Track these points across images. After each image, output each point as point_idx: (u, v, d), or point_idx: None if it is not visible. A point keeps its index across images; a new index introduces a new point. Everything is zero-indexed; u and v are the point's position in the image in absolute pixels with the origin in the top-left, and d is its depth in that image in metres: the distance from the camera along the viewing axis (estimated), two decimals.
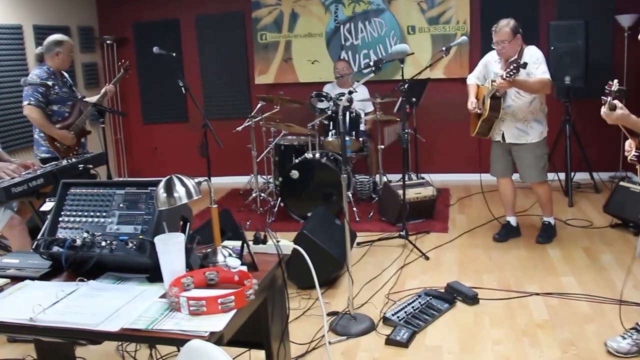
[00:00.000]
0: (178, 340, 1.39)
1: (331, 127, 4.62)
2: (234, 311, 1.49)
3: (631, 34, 4.91)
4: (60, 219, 1.88)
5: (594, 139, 5.08)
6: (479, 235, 4.12)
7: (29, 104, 3.56)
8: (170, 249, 1.60)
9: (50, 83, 3.48)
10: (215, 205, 1.80)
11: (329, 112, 4.58)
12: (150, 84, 6.24)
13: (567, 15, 5.15)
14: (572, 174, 4.91)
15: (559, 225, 4.14)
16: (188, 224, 1.83)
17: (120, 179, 6.40)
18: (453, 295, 3.07)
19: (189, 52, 6.10)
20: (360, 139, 4.72)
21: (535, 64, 3.50)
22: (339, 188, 3.03)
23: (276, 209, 4.70)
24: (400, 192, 4.10)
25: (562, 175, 5.00)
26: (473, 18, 5.41)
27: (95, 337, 1.50)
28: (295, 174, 4.49)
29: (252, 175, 5.18)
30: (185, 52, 6.08)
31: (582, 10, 5.08)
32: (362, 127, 5.00)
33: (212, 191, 1.86)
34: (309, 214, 4.09)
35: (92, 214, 1.85)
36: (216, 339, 1.40)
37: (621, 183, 4.11)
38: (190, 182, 1.61)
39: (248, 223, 4.59)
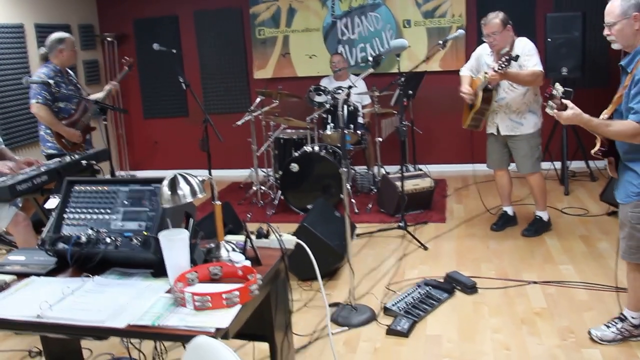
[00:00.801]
0: (184, 337, 1.41)
1: (329, 121, 4.64)
2: (239, 306, 1.52)
3: None
4: (65, 215, 1.91)
5: None
6: (477, 225, 4.17)
7: (36, 102, 3.62)
8: (175, 245, 1.63)
9: (51, 82, 3.51)
10: (219, 202, 1.83)
11: (327, 106, 4.61)
12: (150, 79, 6.26)
13: (564, 7, 5.16)
14: (568, 162, 4.95)
15: (555, 213, 4.19)
16: (192, 219, 1.86)
17: (122, 172, 6.43)
18: (452, 284, 3.12)
19: (188, 47, 6.11)
20: (359, 132, 4.75)
21: (527, 55, 3.51)
22: (338, 180, 3.07)
23: (276, 201, 4.74)
24: (399, 183, 4.14)
25: (558, 164, 5.04)
26: (469, 11, 5.41)
27: (102, 333, 1.52)
28: (294, 167, 4.53)
29: (252, 169, 5.22)
30: (184, 47, 6.09)
31: (579, 2, 5.09)
32: (360, 120, 5.03)
33: (215, 187, 1.89)
34: (308, 206, 4.13)
35: (96, 210, 1.88)
36: (222, 334, 1.43)
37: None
38: (194, 180, 1.64)
39: (249, 215, 4.63)
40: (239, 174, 5.92)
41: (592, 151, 2.44)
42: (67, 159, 3.01)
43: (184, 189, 1.60)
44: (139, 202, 1.83)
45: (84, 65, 5.96)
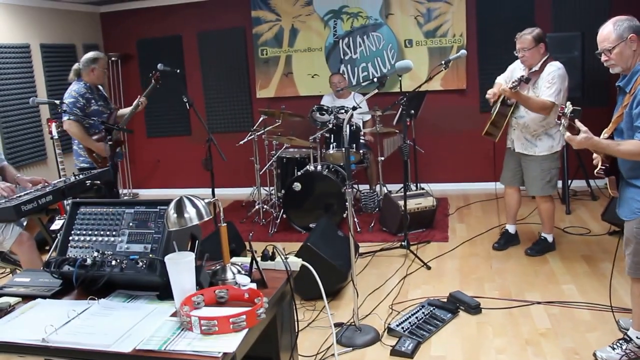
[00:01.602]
0: None
1: (332, 140, 4.67)
2: (246, 330, 1.52)
3: None
4: (71, 237, 1.91)
5: None
6: (479, 244, 4.17)
7: (68, 119, 3.79)
8: (181, 268, 1.64)
9: (57, 102, 3.57)
10: (225, 224, 1.84)
11: (330, 125, 4.64)
12: (154, 98, 6.29)
13: (563, 27, 5.23)
14: (569, 181, 4.96)
15: (557, 233, 4.18)
16: (197, 242, 1.87)
17: (125, 190, 6.45)
18: (456, 304, 3.11)
19: (192, 67, 6.19)
20: (361, 151, 4.77)
21: (547, 83, 3.46)
22: (341, 199, 3.08)
23: (278, 220, 4.75)
24: (401, 202, 4.14)
25: (560, 183, 5.04)
26: (469, 31, 5.49)
27: (109, 358, 1.51)
28: (297, 186, 4.54)
29: (255, 187, 5.24)
30: (188, 67, 6.17)
31: (578, 22, 5.16)
32: (362, 139, 5.06)
33: (222, 209, 1.90)
34: (311, 225, 4.13)
35: (102, 232, 1.89)
36: (229, 359, 1.43)
37: None
38: (200, 203, 1.65)
39: (251, 234, 4.63)
40: (242, 193, 5.94)
41: (595, 171, 2.47)
42: (72, 179, 3.03)
43: (190, 212, 1.61)
44: (145, 224, 1.84)
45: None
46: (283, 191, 4.62)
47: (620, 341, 2.48)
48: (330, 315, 3.12)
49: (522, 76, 3.44)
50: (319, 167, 4.58)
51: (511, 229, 4.07)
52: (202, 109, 6.23)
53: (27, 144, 5.16)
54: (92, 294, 1.79)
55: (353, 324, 2.90)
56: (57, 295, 1.86)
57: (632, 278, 2.41)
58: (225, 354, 1.41)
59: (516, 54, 3.60)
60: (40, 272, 1.98)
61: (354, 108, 2.74)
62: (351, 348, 2.78)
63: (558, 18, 5.33)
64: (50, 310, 1.73)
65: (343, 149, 3.00)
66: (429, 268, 3.75)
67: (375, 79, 2.60)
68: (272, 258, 1.92)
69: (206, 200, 1.67)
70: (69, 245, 1.91)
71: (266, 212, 5.09)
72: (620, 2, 5.17)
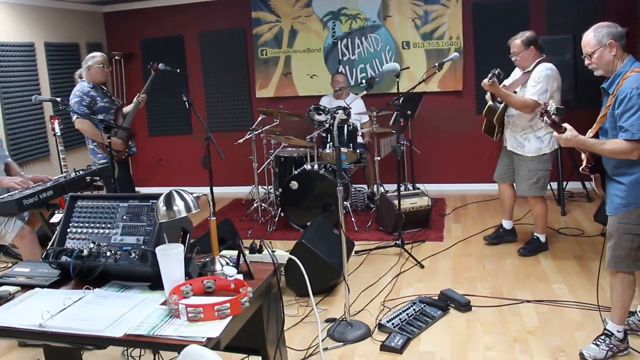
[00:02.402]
0: (177, 346, 1.48)
1: (329, 140, 4.74)
2: (230, 318, 1.59)
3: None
4: (69, 230, 2.00)
5: None
6: (474, 244, 4.22)
7: (77, 117, 3.87)
8: (170, 259, 1.71)
9: (58, 99, 3.65)
10: (214, 218, 1.91)
11: (327, 125, 4.71)
12: (156, 97, 6.40)
13: (556, 29, 5.28)
14: (565, 183, 5.01)
15: (551, 233, 4.23)
16: (188, 235, 1.94)
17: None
18: (446, 302, 3.16)
19: (193, 67, 6.27)
20: (358, 151, 4.84)
21: (535, 81, 3.54)
22: (337, 198, 3.12)
23: (277, 218, 4.82)
24: (396, 202, 4.20)
25: (555, 185, 5.10)
26: (466, 33, 5.54)
27: (101, 342, 1.60)
28: (294, 184, 4.61)
29: (254, 186, 5.31)
30: (189, 66, 6.25)
31: (571, 25, 5.21)
32: (360, 139, 5.12)
33: (212, 204, 1.97)
34: (308, 223, 4.19)
35: (97, 225, 1.97)
36: (213, 344, 1.50)
37: None
38: (189, 197, 1.72)
39: (249, 232, 4.70)
40: (242, 191, 6.01)
41: (580, 168, 2.54)
42: (72, 175, 3.11)
43: (178, 204, 1.68)
44: (138, 217, 1.92)
45: None
46: (280, 190, 4.69)
47: (602, 337, 2.53)
48: (324, 310, 3.22)
49: (496, 70, 3.53)
50: (315, 166, 4.65)
51: (507, 224, 4.13)
52: (203, 108, 6.31)
53: (31, 140, 5.25)
54: (88, 284, 1.87)
55: (344, 319, 2.97)
56: (55, 285, 1.94)
57: (612, 271, 2.48)
58: (209, 339, 1.48)
59: (510, 57, 3.71)
60: (40, 263, 2.06)
61: (344, 109, 2.81)
62: (342, 343, 2.84)
63: (551, 21, 5.38)
64: (48, 299, 1.81)
65: (334, 148, 3.08)
66: (422, 267, 3.81)
67: (364, 81, 2.66)
68: (260, 251, 1.99)
69: (194, 195, 1.74)
70: (67, 237, 1.99)
71: (264, 210, 5.16)
72: (612, 6, 5.23)
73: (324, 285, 3.40)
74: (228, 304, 1.58)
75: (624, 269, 2.43)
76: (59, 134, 4.01)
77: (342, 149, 4.61)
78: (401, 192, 4.24)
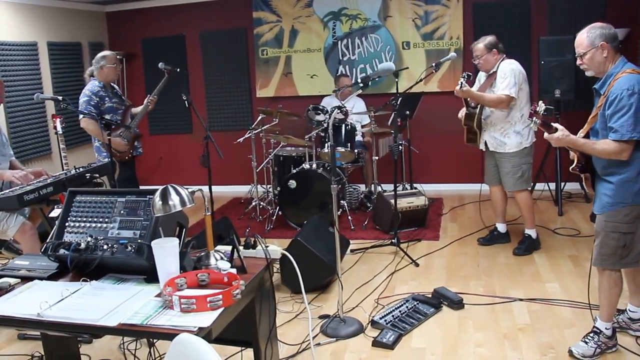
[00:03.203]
0: (170, 335, 1.52)
1: (327, 139, 4.79)
2: (222, 309, 1.64)
3: (622, 48, 5.05)
4: (67, 224, 2.05)
5: None
6: (469, 243, 4.26)
7: (83, 117, 3.92)
8: (166, 252, 1.76)
9: (60, 98, 3.70)
10: (209, 213, 1.96)
11: (325, 125, 4.76)
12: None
13: (558, 30, 5.31)
14: (563, 184, 5.04)
15: (547, 233, 4.27)
16: (184, 229, 1.99)
17: None
18: (439, 300, 3.21)
19: (194, 66, 6.34)
20: (356, 150, 4.88)
21: (502, 78, 3.69)
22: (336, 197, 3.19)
23: (275, 217, 4.87)
24: (393, 201, 4.25)
25: (553, 185, 5.13)
26: (466, 33, 5.58)
27: (96, 331, 1.66)
28: (293, 183, 4.66)
29: (253, 185, 5.36)
30: (190, 66, 6.31)
31: (572, 25, 5.24)
32: (359, 138, 5.17)
33: (207, 200, 2.01)
34: (305, 222, 4.23)
35: (95, 219, 2.02)
36: (204, 333, 1.55)
37: None
38: (184, 192, 1.77)
39: (247, 230, 4.74)
40: (241, 190, 6.07)
41: (570, 168, 2.58)
42: (72, 171, 3.16)
43: (174, 199, 1.73)
44: (135, 212, 1.97)
45: None
46: (279, 188, 4.74)
47: (591, 334, 2.57)
48: (318, 307, 3.27)
49: (464, 74, 3.65)
50: (314, 166, 4.69)
51: (501, 227, 4.17)
52: (204, 108, 6.38)
53: (33, 139, 5.32)
54: (85, 277, 1.92)
55: (338, 316, 3.01)
56: (53, 277, 1.99)
57: (599, 269, 2.53)
58: (200, 328, 1.53)
59: (473, 62, 3.88)
60: (39, 256, 2.12)
61: (339, 107, 2.85)
62: (335, 339, 2.89)
63: (553, 21, 5.42)
64: (46, 290, 1.86)
65: (329, 146, 3.13)
66: (417, 265, 3.85)
67: (359, 80, 2.71)
68: (254, 246, 2.04)
69: (189, 190, 1.80)
70: (65, 231, 2.04)
71: (263, 209, 5.22)
72: (614, 6, 5.26)
73: (319, 282, 3.45)
74: (220, 296, 1.63)
75: (610, 267, 2.47)
76: (60, 132, 4.05)
77: (338, 148, 4.66)
78: (398, 192, 4.28)
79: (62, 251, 1.97)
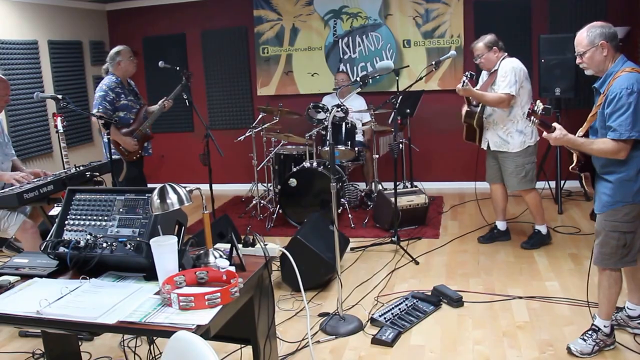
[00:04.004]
0: (168, 332, 1.53)
1: (328, 137, 4.79)
2: (220, 307, 1.65)
3: (622, 46, 5.05)
4: (67, 222, 2.06)
5: None
6: (469, 241, 4.26)
7: (97, 111, 3.91)
8: (164, 250, 1.77)
9: (59, 96, 3.71)
10: (207, 211, 1.97)
11: (326, 123, 4.76)
12: (158, 95, 6.46)
13: (558, 28, 5.30)
14: (563, 182, 5.04)
15: None
16: (183, 227, 2.00)
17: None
18: (439, 297, 3.22)
19: (195, 65, 6.34)
20: (356, 149, 4.89)
21: (502, 77, 3.68)
22: (336, 195, 3.20)
23: (275, 215, 4.88)
24: (393, 199, 4.25)
25: (553, 184, 5.13)
26: (467, 32, 5.58)
27: (95, 328, 1.67)
28: (293, 181, 4.67)
29: (254, 183, 5.37)
30: (191, 65, 6.32)
31: (573, 23, 5.22)
32: (359, 137, 5.17)
33: (205, 198, 2.03)
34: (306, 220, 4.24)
35: (94, 217, 2.03)
36: (202, 331, 1.55)
37: None
38: (182, 190, 1.78)
39: (248, 228, 4.76)
40: (242, 188, 6.08)
41: (570, 167, 2.59)
42: (72, 170, 3.18)
43: (172, 197, 1.74)
44: (134, 210, 1.98)
45: (93, 79, 6.21)
46: (280, 187, 4.75)
47: (590, 332, 2.58)
48: (318, 305, 3.28)
49: (467, 73, 3.64)
50: (314, 164, 4.70)
51: (500, 225, 4.17)
52: (204, 106, 6.38)
53: (34, 137, 5.34)
54: (84, 275, 1.93)
55: (337, 313, 3.02)
56: (53, 275, 2.00)
57: (599, 268, 2.53)
58: (199, 326, 1.54)
59: (474, 61, 3.87)
60: (39, 254, 2.13)
61: (338, 106, 2.86)
62: (334, 336, 2.90)
63: (554, 19, 5.41)
64: (46, 288, 1.87)
65: (329, 144, 3.14)
66: (417, 263, 3.86)
67: (358, 79, 2.71)
68: (253, 244, 2.05)
69: (188, 188, 1.81)
70: (65, 229, 2.05)
71: (264, 207, 5.23)
72: (615, 5, 5.25)
73: (319, 280, 3.45)
74: (218, 294, 1.64)
75: (611, 266, 2.47)
76: (61, 131, 4.06)
77: (338, 146, 4.66)
78: (398, 190, 4.29)
79: (61, 249, 1.98)
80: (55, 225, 2.06)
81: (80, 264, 1.94)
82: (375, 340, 2.81)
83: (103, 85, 3.99)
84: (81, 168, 3.23)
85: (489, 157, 4.04)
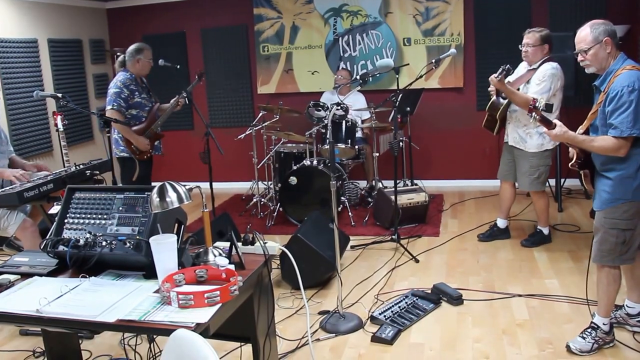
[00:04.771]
0: (167, 330, 1.53)
1: (328, 135, 4.79)
2: (219, 305, 1.65)
3: (622, 44, 5.04)
4: (66, 220, 2.06)
5: None
6: (469, 239, 4.27)
7: (111, 108, 3.88)
8: (164, 248, 1.77)
9: (59, 95, 3.72)
10: (207, 210, 1.97)
11: (326, 121, 4.76)
12: (158, 92, 6.46)
13: (558, 26, 5.29)
14: (563, 180, 5.04)
15: None
16: (182, 226, 2.00)
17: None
18: (438, 295, 3.22)
19: (195, 63, 6.33)
20: (356, 147, 4.88)
21: (539, 80, 3.57)
22: (336, 194, 3.22)
23: (276, 213, 4.88)
24: (393, 197, 4.25)
25: (552, 181, 5.13)
26: (467, 30, 5.57)
27: (94, 327, 1.67)
28: (293, 180, 4.67)
29: (254, 181, 5.38)
30: (191, 63, 6.32)
31: (573, 22, 5.21)
32: (358, 134, 5.16)
33: (205, 197, 2.03)
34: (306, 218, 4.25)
35: (94, 216, 2.03)
36: (202, 329, 1.56)
37: None
38: (181, 188, 1.78)
39: (248, 226, 4.75)
40: (242, 187, 6.08)
41: (570, 164, 2.59)
42: (72, 169, 3.19)
43: (171, 196, 1.74)
44: (133, 208, 1.98)
45: (93, 78, 6.21)
46: (280, 185, 4.75)
47: (589, 330, 2.58)
48: (318, 303, 3.28)
49: (506, 66, 3.52)
50: (314, 162, 4.70)
51: (501, 223, 4.17)
52: (205, 104, 6.38)
53: (34, 136, 5.34)
54: (84, 273, 1.94)
55: (337, 311, 3.03)
56: (53, 273, 2.01)
57: (598, 266, 2.53)
58: (198, 324, 1.54)
59: (520, 48, 3.69)
60: (38, 252, 2.13)
61: (338, 104, 2.86)
62: (334, 334, 2.90)
63: (554, 17, 5.40)
64: (46, 286, 1.88)
65: (329, 143, 3.14)
66: (417, 261, 3.86)
67: (357, 77, 2.71)
68: (252, 243, 2.05)
69: (187, 187, 1.81)
70: (64, 227, 2.06)
71: (264, 205, 5.23)
72: (615, 3, 5.24)
73: (319, 278, 3.46)
74: (218, 292, 1.64)
75: (610, 264, 2.48)
76: (61, 129, 4.06)
77: (338, 144, 4.66)
78: (399, 188, 4.29)
79: (61, 247, 1.98)
80: (54, 223, 2.06)
81: (80, 263, 1.95)
82: (375, 338, 2.81)
83: (117, 82, 3.94)
84: (81, 166, 3.23)
85: (505, 152, 4.00)
